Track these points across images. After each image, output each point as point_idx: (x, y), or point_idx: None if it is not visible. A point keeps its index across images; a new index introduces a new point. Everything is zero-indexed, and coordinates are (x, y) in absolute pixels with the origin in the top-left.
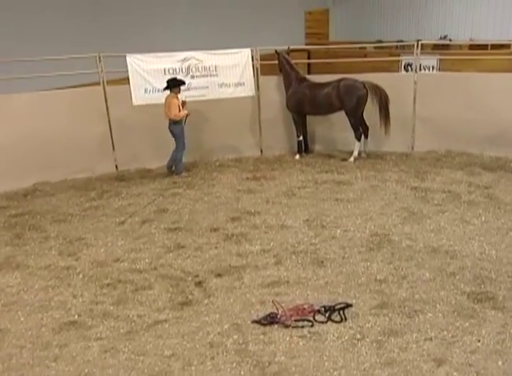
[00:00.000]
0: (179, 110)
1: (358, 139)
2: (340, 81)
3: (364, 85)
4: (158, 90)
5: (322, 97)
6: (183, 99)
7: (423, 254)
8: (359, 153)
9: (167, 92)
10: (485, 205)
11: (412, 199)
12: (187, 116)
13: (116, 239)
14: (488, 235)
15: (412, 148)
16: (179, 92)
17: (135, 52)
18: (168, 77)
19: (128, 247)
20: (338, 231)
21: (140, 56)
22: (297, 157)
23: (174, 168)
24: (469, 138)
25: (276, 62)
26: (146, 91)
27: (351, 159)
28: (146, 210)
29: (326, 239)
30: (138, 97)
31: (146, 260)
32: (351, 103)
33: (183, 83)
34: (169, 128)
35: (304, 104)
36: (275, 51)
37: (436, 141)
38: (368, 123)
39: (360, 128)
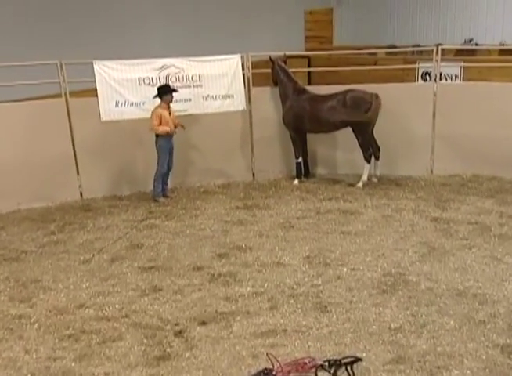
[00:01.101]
0: (160, 123)
1: (368, 161)
2: (346, 92)
3: (376, 97)
4: (131, 103)
5: (326, 112)
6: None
7: (446, 299)
8: (369, 178)
9: (157, 100)
10: None
11: (433, 232)
12: (176, 127)
13: (80, 281)
14: None
15: (432, 171)
16: (171, 101)
17: (104, 59)
18: (144, 88)
19: (95, 290)
20: (345, 270)
21: (110, 63)
22: (296, 182)
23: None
24: (500, 160)
25: (270, 70)
26: (116, 104)
27: (360, 184)
28: (116, 245)
29: (330, 279)
30: (108, 112)
31: (116, 306)
32: (360, 118)
33: (175, 90)
34: (154, 143)
35: (304, 120)
36: (270, 58)
37: (460, 163)
38: (379, 142)
39: (370, 148)
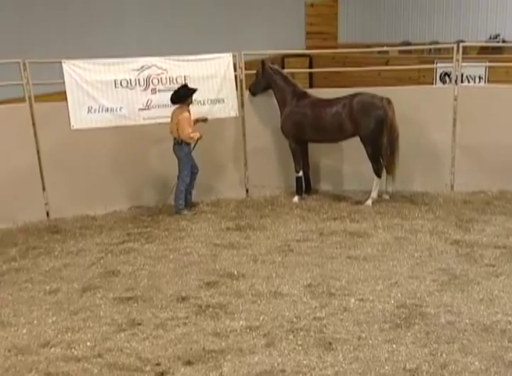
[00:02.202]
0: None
1: (379, 175)
2: (353, 97)
3: (388, 102)
4: (106, 109)
5: (330, 118)
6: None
7: (469, 335)
8: (379, 195)
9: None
10: None
11: (454, 257)
12: (198, 139)
13: (45, 314)
14: None
15: (452, 187)
16: (191, 102)
17: (75, 58)
18: (120, 91)
19: (62, 325)
20: (352, 301)
21: (82, 62)
22: (296, 199)
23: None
24: None
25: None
26: (89, 110)
27: (369, 202)
28: (88, 273)
29: (335, 311)
30: (79, 118)
31: (88, 343)
32: (369, 126)
33: (195, 90)
34: (173, 148)
35: (305, 128)
36: (262, 61)
37: (485, 178)
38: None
39: (381, 161)
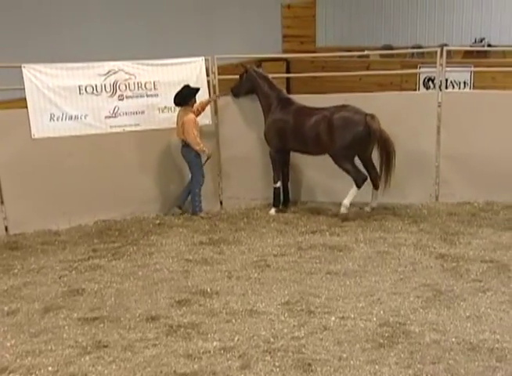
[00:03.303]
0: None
1: (359, 186)
2: (336, 109)
3: (371, 118)
4: (70, 117)
5: (308, 129)
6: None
7: (456, 354)
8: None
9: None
10: None
11: (439, 272)
12: (208, 157)
13: (3, 337)
14: None
15: (437, 198)
16: (195, 102)
17: (36, 62)
18: (86, 97)
19: (22, 348)
20: (332, 319)
21: (43, 67)
22: (273, 211)
23: (191, 206)
24: None
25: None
26: (51, 118)
27: (343, 210)
28: (50, 292)
29: (314, 330)
30: (41, 127)
31: (49, 368)
32: (344, 142)
33: (198, 90)
34: (181, 151)
35: (287, 137)
36: (241, 65)
37: (471, 188)
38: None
39: (362, 174)
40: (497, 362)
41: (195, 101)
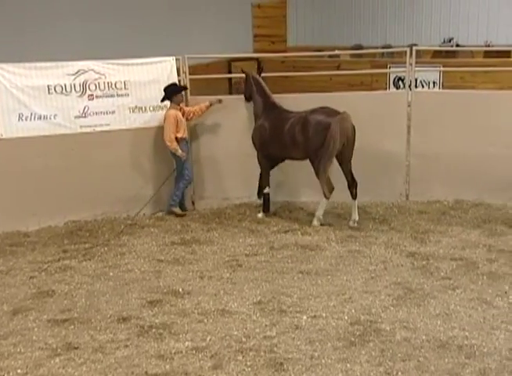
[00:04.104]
0: (177, 130)
1: (327, 197)
2: (311, 112)
3: (341, 120)
4: (39, 117)
5: (285, 133)
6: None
7: (426, 351)
8: (348, 223)
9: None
10: None
11: (409, 270)
12: (210, 106)
13: None
14: None
15: (407, 197)
16: (182, 100)
17: (3, 61)
18: (55, 97)
19: None
20: (304, 318)
21: (11, 66)
22: (260, 215)
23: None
24: (487, 182)
25: (211, 76)
26: (20, 118)
27: (315, 222)
28: (19, 294)
29: (286, 330)
30: (9, 127)
31: (19, 371)
32: (315, 144)
33: (185, 88)
34: (170, 152)
35: (269, 142)
36: (242, 70)
37: (440, 187)
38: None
39: (331, 185)
40: (466, 358)
41: (181, 99)
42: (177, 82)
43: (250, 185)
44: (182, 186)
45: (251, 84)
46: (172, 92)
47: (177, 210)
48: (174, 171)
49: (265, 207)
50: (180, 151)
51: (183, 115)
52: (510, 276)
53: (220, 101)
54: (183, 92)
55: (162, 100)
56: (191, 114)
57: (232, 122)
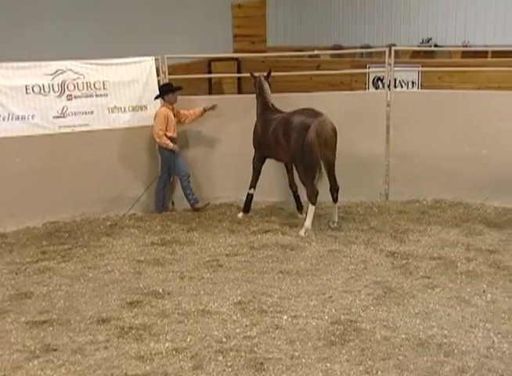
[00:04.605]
0: (166, 128)
1: (312, 202)
2: (293, 113)
3: (320, 122)
4: (17, 117)
5: (270, 134)
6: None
7: (405, 350)
8: (328, 223)
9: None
10: (491, 277)
11: (389, 269)
12: (204, 111)
13: None
14: (496, 321)
15: (387, 196)
16: (175, 101)
17: None
18: (33, 97)
19: None
20: (284, 318)
21: None
22: (240, 215)
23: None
24: (466, 182)
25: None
26: None
27: (302, 232)
28: None
29: (266, 330)
30: None
31: None
32: (295, 147)
33: (179, 88)
34: (158, 149)
35: (261, 143)
36: (250, 74)
37: (419, 186)
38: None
39: (315, 189)
40: (445, 357)
41: (174, 100)
42: (159, 82)
43: (230, 185)
44: (186, 184)
45: (255, 86)
46: (165, 92)
47: (200, 205)
48: (163, 172)
49: (246, 207)
50: (171, 144)
51: (176, 116)
52: (488, 274)
53: (214, 107)
54: (176, 93)
55: (155, 98)
56: (184, 118)
57: (212, 122)
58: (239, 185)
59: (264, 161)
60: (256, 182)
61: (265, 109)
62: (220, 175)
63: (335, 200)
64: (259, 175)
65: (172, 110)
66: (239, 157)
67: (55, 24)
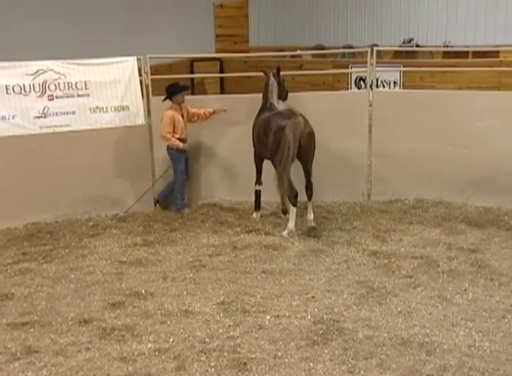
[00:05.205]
0: (174, 130)
1: (293, 204)
2: (274, 114)
3: (295, 123)
4: None
5: (255, 133)
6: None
7: (388, 349)
8: (308, 223)
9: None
10: (472, 276)
11: (371, 269)
12: (213, 113)
13: None
14: (478, 319)
15: (369, 196)
16: (183, 101)
17: None
18: (13, 98)
19: None
20: (267, 318)
21: None
22: (255, 215)
23: (171, 203)
24: (447, 182)
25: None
26: None
27: (285, 233)
28: None
29: (249, 330)
30: None
31: None
32: (272, 146)
33: (186, 88)
34: (167, 150)
35: (254, 141)
36: (262, 71)
37: (402, 186)
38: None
39: (294, 190)
40: (427, 355)
41: (182, 100)
42: (141, 82)
43: (212, 185)
44: (180, 189)
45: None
46: (173, 92)
47: (186, 210)
48: (167, 171)
49: (256, 204)
50: (181, 144)
51: (187, 116)
52: (469, 273)
53: (224, 110)
54: (184, 92)
55: (163, 100)
56: (195, 117)
57: (194, 124)
58: (221, 185)
59: (262, 159)
60: (260, 179)
61: (262, 107)
62: (202, 176)
63: (309, 197)
64: (261, 171)
65: (181, 110)
66: (221, 158)
67: (37, 24)
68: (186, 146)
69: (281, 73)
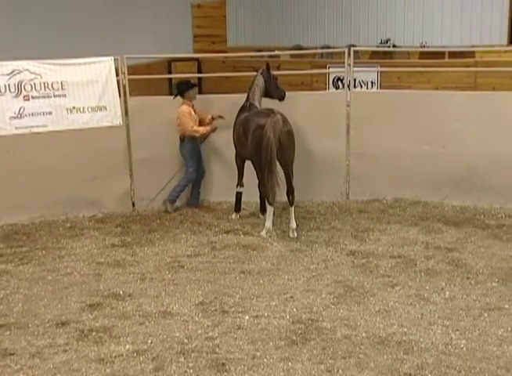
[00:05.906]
0: (195, 123)
1: (270, 202)
2: (254, 113)
3: (274, 122)
4: None
5: (235, 133)
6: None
7: (366, 348)
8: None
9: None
10: (450, 275)
11: (350, 268)
12: (213, 119)
13: None
14: (454, 318)
15: (347, 196)
16: (194, 97)
17: None
18: None
19: None
20: (246, 318)
21: None
22: (234, 216)
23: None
24: (424, 181)
25: (150, 76)
26: None
27: (263, 233)
28: None
29: (228, 330)
30: None
31: None
32: (252, 145)
33: (196, 85)
34: (179, 148)
35: (234, 141)
36: (252, 67)
37: (379, 186)
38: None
39: (272, 186)
40: (404, 354)
41: (194, 96)
42: (118, 83)
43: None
44: (183, 185)
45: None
46: (185, 89)
47: (169, 207)
48: (193, 168)
49: (237, 206)
50: (208, 128)
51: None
52: (446, 272)
53: (222, 117)
54: (196, 89)
55: (174, 96)
56: (201, 121)
57: (172, 124)
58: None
59: (243, 160)
60: (241, 180)
61: (242, 108)
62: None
63: (291, 203)
64: (242, 172)
65: (193, 106)
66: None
67: (12, 22)
68: (215, 125)
69: (255, 73)
